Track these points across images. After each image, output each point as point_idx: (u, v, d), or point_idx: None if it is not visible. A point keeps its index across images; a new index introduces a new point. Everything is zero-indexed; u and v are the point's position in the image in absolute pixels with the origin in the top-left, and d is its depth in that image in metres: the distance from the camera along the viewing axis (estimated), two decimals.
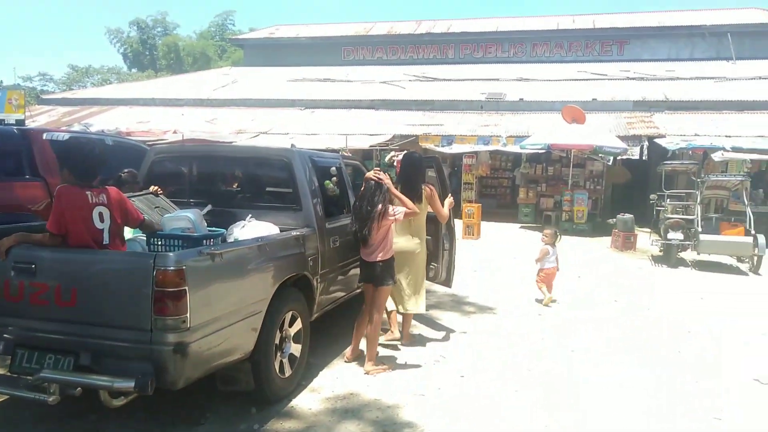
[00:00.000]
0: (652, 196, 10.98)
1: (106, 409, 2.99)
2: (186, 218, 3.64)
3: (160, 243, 3.54)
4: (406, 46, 23.71)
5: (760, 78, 17.79)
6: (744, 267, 9.53)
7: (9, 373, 3.09)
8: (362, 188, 4.53)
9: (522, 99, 17.69)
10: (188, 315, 2.84)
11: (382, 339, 4.88)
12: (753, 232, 9.29)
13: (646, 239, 11.07)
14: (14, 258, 3.06)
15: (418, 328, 5.51)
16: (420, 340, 5.17)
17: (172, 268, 2.81)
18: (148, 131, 13.97)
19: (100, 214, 3.25)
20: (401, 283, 4.83)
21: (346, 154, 12.59)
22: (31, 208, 5.23)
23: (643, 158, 13.82)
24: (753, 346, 5.37)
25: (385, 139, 15.34)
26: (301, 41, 24.96)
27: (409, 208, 4.51)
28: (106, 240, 3.26)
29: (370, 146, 15.03)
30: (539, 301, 6.80)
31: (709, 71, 18.98)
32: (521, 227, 14.00)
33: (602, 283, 8.00)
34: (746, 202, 9.84)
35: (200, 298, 2.95)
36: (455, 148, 15.14)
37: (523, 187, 15.61)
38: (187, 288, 2.83)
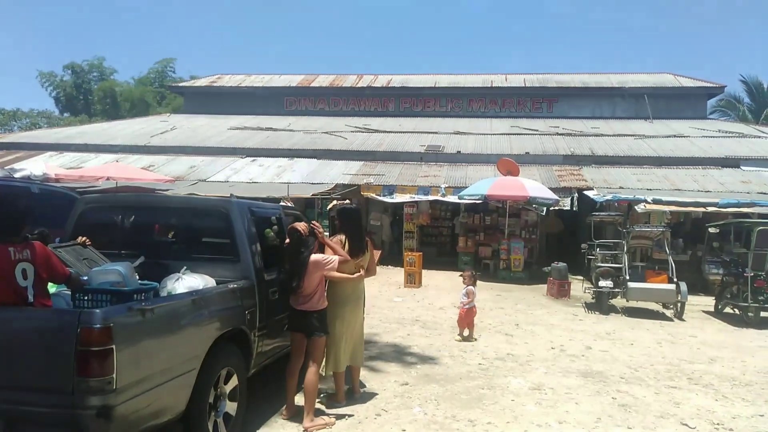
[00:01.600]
0: (583, 246, 11.50)
1: None
2: (116, 271, 3.48)
3: (86, 298, 3.36)
4: (348, 98, 24.24)
5: (675, 136, 19.30)
6: (669, 313, 10.03)
7: None
8: (287, 239, 4.51)
9: (459, 151, 18.33)
10: (114, 375, 2.69)
11: (325, 404, 4.75)
12: (675, 279, 9.86)
13: (579, 287, 11.50)
14: None
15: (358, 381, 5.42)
16: (362, 395, 5.07)
17: (98, 325, 2.67)
18: (80, 177, 13.38)
19: (24, 271, 3.07)
20: (344, 338, 4.76)
21: (287, 203, 12.54)
22: None
23: (574, 209, 14.55)
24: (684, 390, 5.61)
25: (327, 188, 15.40)
26: (243, 90, 25.01)
27: (341, 255, 4.52)
28: (30, 298, 3.07)
29: (312, 195, 15.03)
30: (467, 338, 7.33)
31: (629, 129, 20.42)
32: (460, 275, 14.16)
33: (538, 330, 8.19)
34: (668, 251, 10.50)
35: (128, 356, 2.81)
36: (396, 198, 15.40)
37: (462, 236, 15.98)
38: (114, 347, 2.69)
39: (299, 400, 4.45)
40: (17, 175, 11.86)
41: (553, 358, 6.66)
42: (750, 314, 9.34)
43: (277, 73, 26.57)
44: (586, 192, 14.54)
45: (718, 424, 4.70)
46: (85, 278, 3.58)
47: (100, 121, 30.69)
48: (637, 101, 22.09)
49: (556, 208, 14.43)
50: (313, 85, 24.90)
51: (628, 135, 19.54)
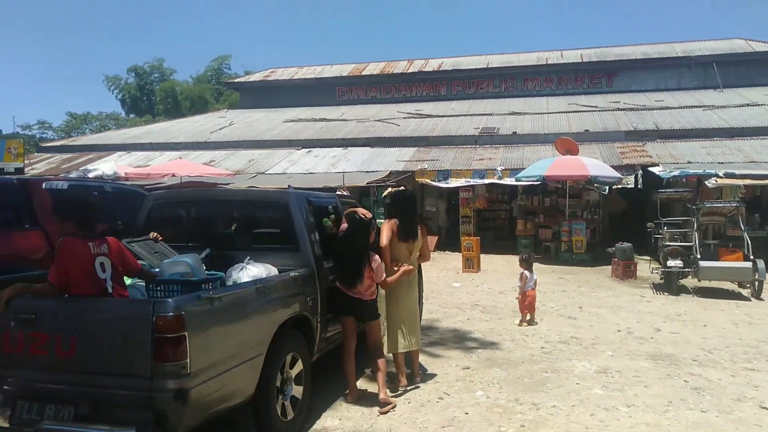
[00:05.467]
0: (649, 225, 11.03)
1: None
2: (184, 263, 3.66)
3: (159, 289, 3.55)
4: (399, 85, 24.15)
5: (747, 105, 18.10)
6: (745, 292, 9.50)
7: (9, 426, 3.05)
8: (344, 225, 4.56)
9: (515, 132, 17.93)
10: (188, 360, 2.84)
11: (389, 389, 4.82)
12: (752, 257, 9.31)
13: (646, 267, 11.07)
14: (14, 309, 3.06)
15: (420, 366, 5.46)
16: (423, 378, 5.10)
17: (171, 314, 2.82)
18: (147, 175, 14.05)
19: (102, 264, 3.27)
20: (400, 319, 4.82)
21: (343, 192, 12.71)
22: (30, 257, 5.25)
23: (638, 187, 13.93)
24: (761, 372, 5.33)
25: (381, 176, 15.48)
26: (295, 83, 25.42)
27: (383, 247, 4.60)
28: (109, 289, 3.28)
29: (367, 183, 15.15)
30: (522, 323, 7.20)
31: (697, 100, 19.32)
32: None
33: (603, 313, 7.96)
34: (743, 228, 9.90)
35: (200, 342, 2.95)
36: (451, 183, 15.28)
37: (521, 219, 15.65)
38: (186, 333, 2.83)
39: (359, 383, 4.53)
40: (90, 175, 12.57)
41: (620, 341, 6.47)
42: None
43: (328, 64, 26.80)
44: (651, 168, 13.92)
45: None
46: (157, 270, 3.78)
47: (162, 120, 32.02)
48: (705, 70, 20.87)
49: (619, 186, 13.86)
50: (364, 73, 24.96)
51: (696, 106, 18.52)
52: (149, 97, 44.80)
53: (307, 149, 19.02)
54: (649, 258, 12.04)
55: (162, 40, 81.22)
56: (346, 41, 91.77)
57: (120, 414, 2.87)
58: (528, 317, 7.31)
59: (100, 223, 3.46)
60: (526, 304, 7.29)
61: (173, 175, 13.55)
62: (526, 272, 7.35)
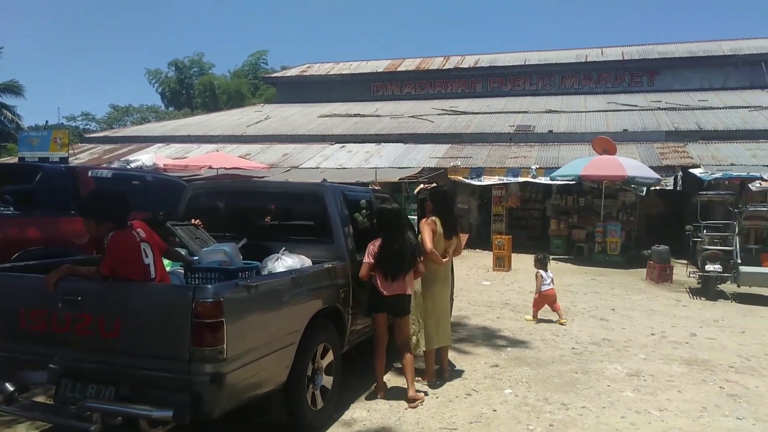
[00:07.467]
0: (688, 227, 10.75)
1: None
2: (222, 251, 3.76)
3: (197, 276, 3.67)
4: (434, 81, 24.08)
5: None
6: None
7: (53, 402, 3.20)
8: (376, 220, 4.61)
9: (551, 131, 17.69)
10: (225, 346, 2.93)
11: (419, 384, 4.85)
12: None
13: (682, 271, 10.80)
14: (62, 291, 3.20)
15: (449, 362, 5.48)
16: (451, 374, 5.13)
17: (210, 300, 2.91)
18: (185, 167, 14.39)
19: (144, 250, 3.39)
20: (434, 316, 4.85)
21: (376, 187, 12.77)
22: (75, 242, 5.47)
23: (678, 188, 13.62)
24: None
25: (414, 172, 15.49)
26: (331, 78, 25.60)
27: (427, 248, 4.61)
28: (152, 274, 3.39)
29: (399, 179, 15.18)
30: (534, 319, 7.33)
31: (743, 100, 18.68)
32: (553, 259, 13.80)
33: (636, 316, 7.82)
34: None
35: (236, 329, 3.04)
36: (484, 180, 15.18)
37: (554, 219, 15.46)
38: (224, 319, 2.92)
39: (388, 377, 4.56)
40: (131, 165, 12.97)
41: (654, 345, 6.35)
42: None
43: (364, 60, 26.93)
44: (691, 170, 13.56)
45: None
46: (196, 258, 3.90)
47: (201, 113, 32.72)
48: (753, 69, 20.17)
49: (658, 187, 13.55)
50: (399, 69, 24.98)
51: (742, 107, 17.91)
52: (188, 91, 45.78)
53: (341, 144, 19.16)
54: (686, 262, 11.72)
55: (202, 35, 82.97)
56: (382, 37, 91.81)
57: (158, 395, 2.97)
58: (557, 316, 7.30)
59: (136, 211, 3.56)
60: (548, 303, 7.35)
61: (210, 167, 13.85)
62: (541, 272, 7.40)
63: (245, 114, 25.37)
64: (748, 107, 17.83)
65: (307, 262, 4.24)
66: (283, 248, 4.32)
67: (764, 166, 13.31)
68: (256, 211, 5.27)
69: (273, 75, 31.90)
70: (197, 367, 2.90)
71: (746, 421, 4.21)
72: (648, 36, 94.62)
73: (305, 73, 26.83)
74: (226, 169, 13.94)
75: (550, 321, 7.32)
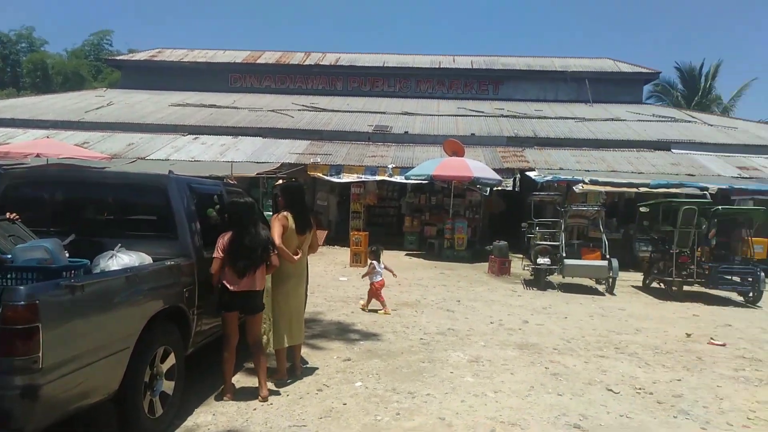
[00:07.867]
0: (523, 225, 11.87)
1: None
2: (42, 248, 3.35)
3: (10, 277, 3.22)
4: (295, 76, 23.82)
5: (611, 119, 20.06)
6: (601, 288, 10.55)
7: None
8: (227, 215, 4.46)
9: (407, 132, 18.43)
10: (41, 354, 2.61)
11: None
12: (608, 256, 10.35)
13: (519, 264, 11.89)
14: None
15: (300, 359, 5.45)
16: (304, 371, 5.10)
17: (22, 303, 2.58)
18: (6, 154, 12.61)
19: None
20: (287, 314, 4.79)
21: (231, 181, 12.28)
22: None
23: (516, 189, 14.94)
24: (610, 359, 5.95)
25: (272, 168, 15.19)
26: (185, 65, 24.13)
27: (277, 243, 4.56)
28: None
29: (257, 174, 14.80)
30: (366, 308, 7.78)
31: (570, 112, 21.05)
32: (406, 254, 14.45)
33: (478, 306, 8.45)
34: (602, 230, 11.00)
35: (56, 335, 2.73)
36: (344, 178, 15.37)
37: (409, 216, 16.16)
38: (40, 325, 2.60)
39: (238, 377, 4.43)
40: None
41: (492, 332, 6.91)
42: (674, 288, 9.96)
43: (222, 49, 25.78)
44: (528, 173, 14.96)
45: (639, 388, 5.02)
46: (9, 256, 3.42)
47: (29, 95, 28.93)
48: (578, 85, 22.78)
49: (499, 188, 14.79)
50: (259, 61, 24.31)
51: (569, 118, 20.16)
52: (14, 69, 40.25)
53: (194, 136, 18.17)
54: (522, 256, 12.94)
55: (32, 6, 73.16)
56: (239, 29, 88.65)
57: None
58: (380, 306, 7.76)
59: None
60: (373, 293, 7.78)
61: (38, 155, 12.28)
62: (374, 263, 7.76)
63: (84, 98, 22.94)
64: (574, 118, 20.14)
65: (147, 259, 3.94)
66: (119, 245, 3.96)
67: (586, 170, 15.15)
68: (89, 204, 4.76)
69: (119, 57, 29.16)
70: (5, 380, 2.55)
71: (565, 397, 4.75)
72: (496, 47, 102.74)
73: (155, 58, 24.96)
74: (58, 158, 12.46)
75: (376, 311, 7.75)
